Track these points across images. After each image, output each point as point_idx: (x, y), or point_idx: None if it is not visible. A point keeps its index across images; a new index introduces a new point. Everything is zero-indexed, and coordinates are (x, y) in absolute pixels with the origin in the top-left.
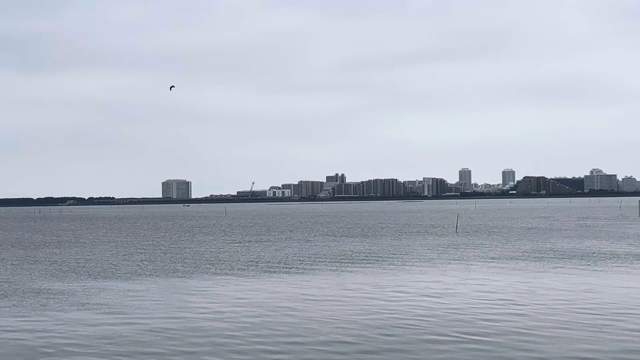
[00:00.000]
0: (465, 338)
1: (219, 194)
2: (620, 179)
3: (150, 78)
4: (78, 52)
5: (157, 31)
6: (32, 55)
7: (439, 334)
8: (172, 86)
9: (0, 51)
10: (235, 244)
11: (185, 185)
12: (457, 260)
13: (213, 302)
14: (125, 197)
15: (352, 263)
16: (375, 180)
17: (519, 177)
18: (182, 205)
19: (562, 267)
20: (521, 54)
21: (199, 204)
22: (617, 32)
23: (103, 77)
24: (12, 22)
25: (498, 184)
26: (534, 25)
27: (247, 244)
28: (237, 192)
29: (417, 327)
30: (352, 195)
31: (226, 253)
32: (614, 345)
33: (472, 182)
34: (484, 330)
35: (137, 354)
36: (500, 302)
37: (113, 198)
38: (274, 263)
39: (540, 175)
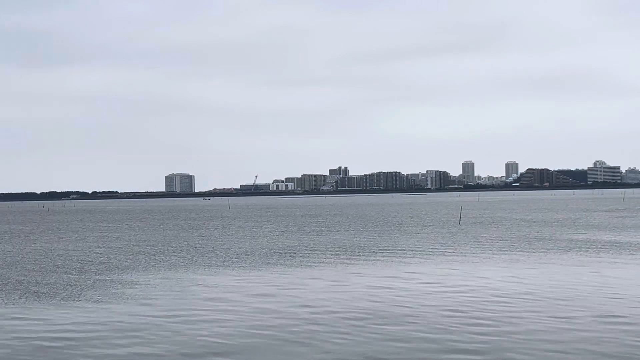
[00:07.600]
0: (469, 336)
1: (222, 188)
2: (623, 171)
3: (153, 73)
4: (81, 47)
5: (159, 27)
6: (36, 50)
7: (441, 325)
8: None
9: (4, 46)
10: (240, 236)
11: (189, 179)
12: (460, 252)
13: (217, 293)
14: (129, 191)
15: (354, 255)
16: (379, 173)
17: (522, 169)
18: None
19: (567, 258)
20: (523, 47)
21: (202, 198)
22: (618, 25)
23: (106, 71)
24: (15, 17)
25: (501, 176)
26: (535, 17)
27: (251, 236)
28: (241, 186)
29: (417, 319)
30: (355, 188)
31: (235, 245)
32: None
33: (476, 174)
34: (490, 321)
35: (135, 346)
36: (503, 294)
37: (116, 192)
38: (274, 255)
39: (543, 168)
